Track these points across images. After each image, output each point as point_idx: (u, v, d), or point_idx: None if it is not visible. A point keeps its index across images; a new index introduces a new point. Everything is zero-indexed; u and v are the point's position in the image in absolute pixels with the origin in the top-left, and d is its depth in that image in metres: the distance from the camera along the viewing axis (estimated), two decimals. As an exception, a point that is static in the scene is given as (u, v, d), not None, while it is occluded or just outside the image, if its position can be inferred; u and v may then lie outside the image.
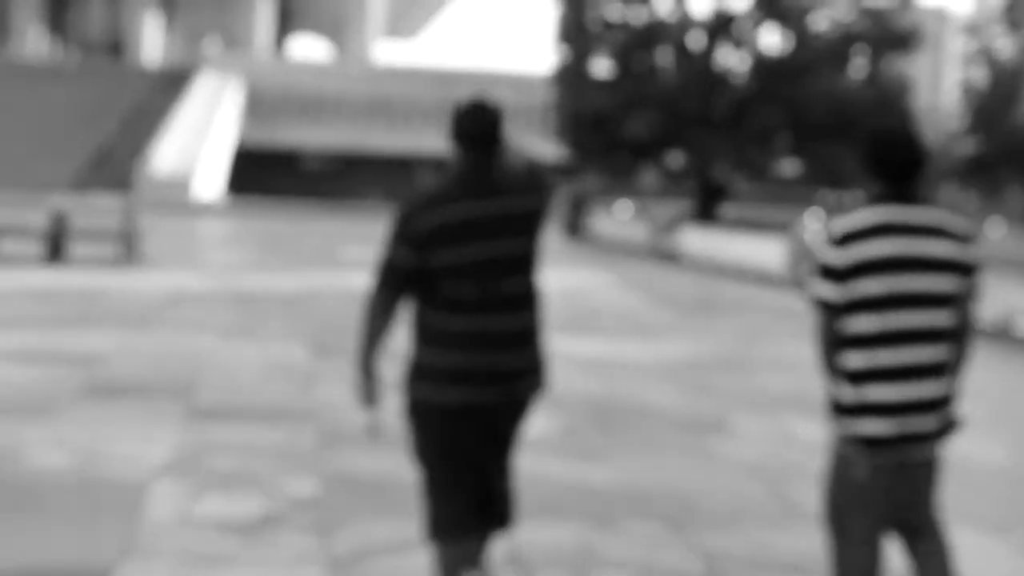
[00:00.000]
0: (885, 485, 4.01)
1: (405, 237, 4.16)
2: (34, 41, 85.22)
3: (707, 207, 43.65)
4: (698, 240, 28.77)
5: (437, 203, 4.18)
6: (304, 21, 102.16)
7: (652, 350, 12.59)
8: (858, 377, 3.95)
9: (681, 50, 43.16)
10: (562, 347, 12.38)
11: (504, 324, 4.21)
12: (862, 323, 3.93)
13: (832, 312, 3.97)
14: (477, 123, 4.23)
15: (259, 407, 8.78)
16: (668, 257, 28.25)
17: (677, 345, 13.24)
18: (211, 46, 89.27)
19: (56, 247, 18.61)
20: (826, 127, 41.18)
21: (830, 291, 3.96)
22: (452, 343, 4.18)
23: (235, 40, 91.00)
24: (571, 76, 44.94)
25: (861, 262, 3.90)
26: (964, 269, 4.00)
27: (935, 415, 4.00)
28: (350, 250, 25.44)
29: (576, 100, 43.92)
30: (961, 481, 7.31)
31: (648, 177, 44.52)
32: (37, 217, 19.65)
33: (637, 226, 32.42)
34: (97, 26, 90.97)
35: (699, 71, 42.38)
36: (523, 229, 4.25)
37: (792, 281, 21.72)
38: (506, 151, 4.32)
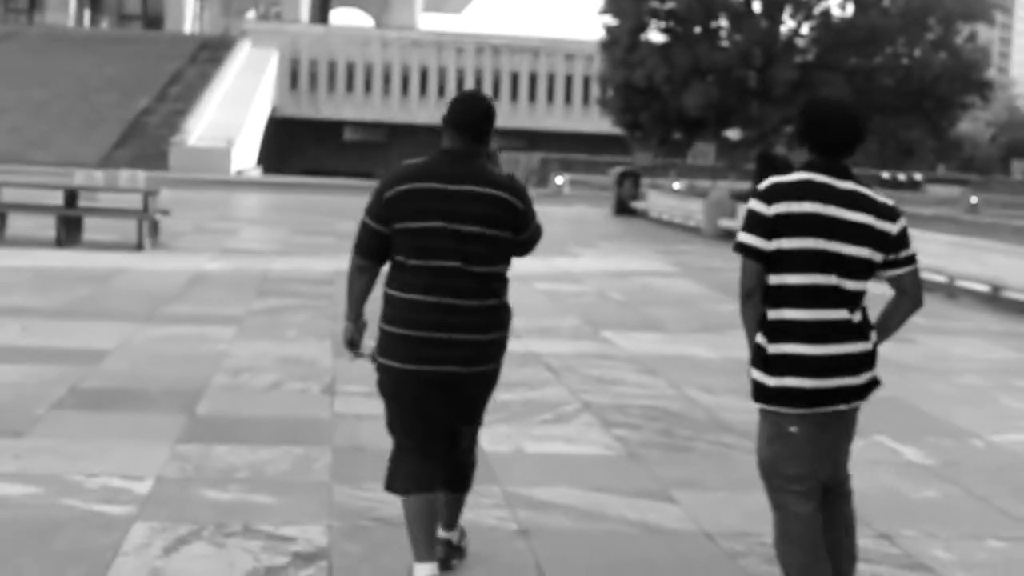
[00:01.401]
0: (809, 436, 4.15)
1: (376, 204, 4.60)
2: (68, 11, 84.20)
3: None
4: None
5: (410, 177, 4.56)
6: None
7: (721, 349, 11.21)
8: (776, 330, 4.14)
9: (742, 16, 41.20)
10: (620, 346, 11.04)
11: (446, 297, 4.49)
12: (782, 278, 4.12)
13: (757, 262, 4.14)
14: (466, 113, 4.61)
15: (270, 421, 7.50)
16: (726, 237, 26.76)
17: (744, 342, 11.85)
18: (250, 17, 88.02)
19: (70, 228, 17.36)
20: (895, 99, 39.38)
21: (757, 241, 4.12)
22: (401, 311, 4.54)
23: (275, 11, 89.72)
24: (622, 44, 42.99)
25: (784, 217, 4.09)
26: (883, 242, 4.13)
27: (852, 371, 4.13)
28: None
29: (627, 70, 42.08)
30: None
31: (703, 152, 42.85)
32: (52, 197, 18.43)
33: (692, 204, 30.88)
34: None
35: (760, 39, 40.49)
36: (485, 221, 4.50)
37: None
38: (493, 154, 4.72)
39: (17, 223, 18.87)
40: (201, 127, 56.77)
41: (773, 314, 4.16)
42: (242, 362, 9.33)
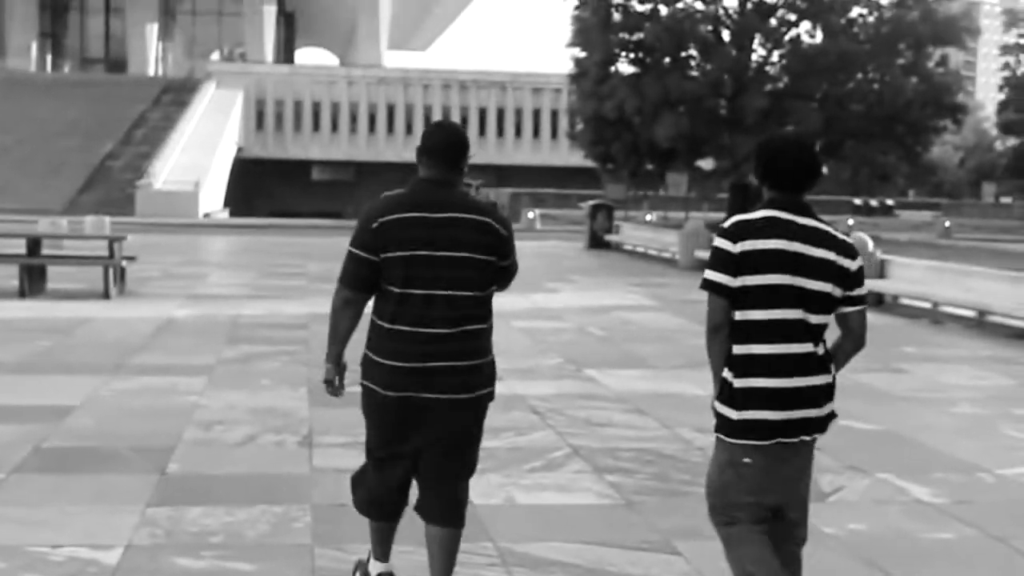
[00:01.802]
0: (765, 467, 4.21)
1: (363, 234, 4.59)
2: (30, 55, 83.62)
3: (740, 213, 41.85)
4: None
5: (394, 208, 4.58)
6: (310, 35, 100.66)
7: (708, 386, 10.81)
8: (742, 364, 4.20)
9: (711, 46, 41.05)
10: (605, 384, 10.69)
11: (433, 326, 4.53)
12: (748, 314, 4.19)
13: (724, 299, 4.22)
14: (441, 141, 4.65)
15: (245, 478, 7.09)
16: (703, 268, 26.49)
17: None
18: (215, 58, 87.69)
19: (33, 277, 16.88)
20: (867, 124, 39.24)
21: (723, 279, 4.21)
22: (388, 340, 4.58)
23: (240, 52, 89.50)
24: (591, 76, 42.75)
25: (750, 254, 4.17)
26: (843, 278, 4.23)
27: (818, 403, 4.23)
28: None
29: (597, 102, 41.83)
30: None
31: (675, 183, 42.62)
32: (15, 245, 17.94)
33: (667, 235, 30.60)
34: (96, 40, 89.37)
35: (730, 68, 40.32)
36: (471, 247, 4.55)
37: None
38: (476, 188, 4.80)
39: (-22, 274, 18.43)
40: (167, 170, 56.28)
41: (740, 349, 4.24)
42: (214, 414, 8.92)
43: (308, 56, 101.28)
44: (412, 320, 4.54)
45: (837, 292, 4.25)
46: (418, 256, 4.52)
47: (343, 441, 8.08)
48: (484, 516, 6.38)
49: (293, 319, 15.18)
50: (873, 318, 13.72)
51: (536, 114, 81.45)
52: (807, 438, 4.28)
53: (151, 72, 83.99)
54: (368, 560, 5.07)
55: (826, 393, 4.30)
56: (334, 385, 4.85)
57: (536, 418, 9.11)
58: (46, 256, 17.60)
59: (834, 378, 4.35)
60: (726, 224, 4.32)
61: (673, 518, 6.42)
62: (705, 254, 25.98)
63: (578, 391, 10.38)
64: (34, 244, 17.33)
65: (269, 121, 79.06)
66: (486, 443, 8.04)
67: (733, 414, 4.25)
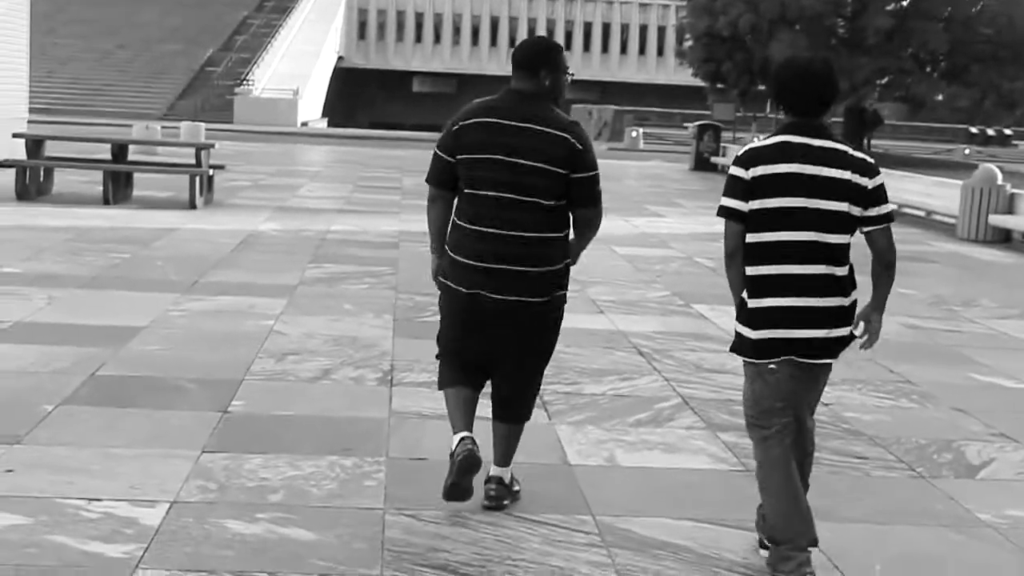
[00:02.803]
0: (787, 375, 4.38)
1: (445, 136, 4.85)
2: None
3: (854, 139, 40.03)
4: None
5: (477, 112, 4.80)
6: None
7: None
8: (756, 286, 4.36)
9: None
10: (716, 323, 9.77)
11: (502, 228, 4.72)
12: (762, 236, 4.32)
13: (739, 223, 4.35)
14: (522, 49, 4.87)
15: (316, 421, 6.33)
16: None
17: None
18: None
19: (118, 185, 16.27)
20: (995, 48, 37.17)
21: (737, 204, 4.35)
22: (460, 238, 4.84)
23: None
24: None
25: (762, 179, 4.30)
26: (860, 196, 4.30)
27: (826, 325, 4.34)
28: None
29: (710, 18, 40.14)
30: None
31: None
32: (104, 150, 17.37)
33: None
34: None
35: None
36: (542, 157, 4.68)
37: (970, 227, 18.63)
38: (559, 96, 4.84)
39: (65, 179, 17.91)
40: (266, 78, 55.75)
41: (754, 270, 4.38)
42: (289, 343, 8.18)
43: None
44: (483, 220, 4.78)
45: (855, 211, 4.34)
46: (488, 160, 4.74)
47: (427, 379, 7.29)
48: (583, 480, 5.56)
49: (384, 237, 14.43)
50: (1000, 255, 12.38)
51: (643, 30, 79.57)
52: (817, 360, 4.42)
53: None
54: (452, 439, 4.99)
55: (838, 316, 4.40)
56: (438, 277, 5.05)
57: (641, 360, 8.24)
58: (131, 163, 17.02)
59: (853, 302, 4.45)
60: (740, 152, 4.48)
61: (800, 492, 5.53)
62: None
63: (687, 329, 9.47)
64: (119, 150, 16.71)
65: (371, 31, 78.21)
66: (587, 390, 7.28)
67: (751, 333, 4.43)
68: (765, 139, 4.44)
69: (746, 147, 4.47)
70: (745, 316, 4.44)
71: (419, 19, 78.73)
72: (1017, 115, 58.50)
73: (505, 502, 5.10)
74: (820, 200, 4.28)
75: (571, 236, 4.96)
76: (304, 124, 52.73)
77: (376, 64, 78.02)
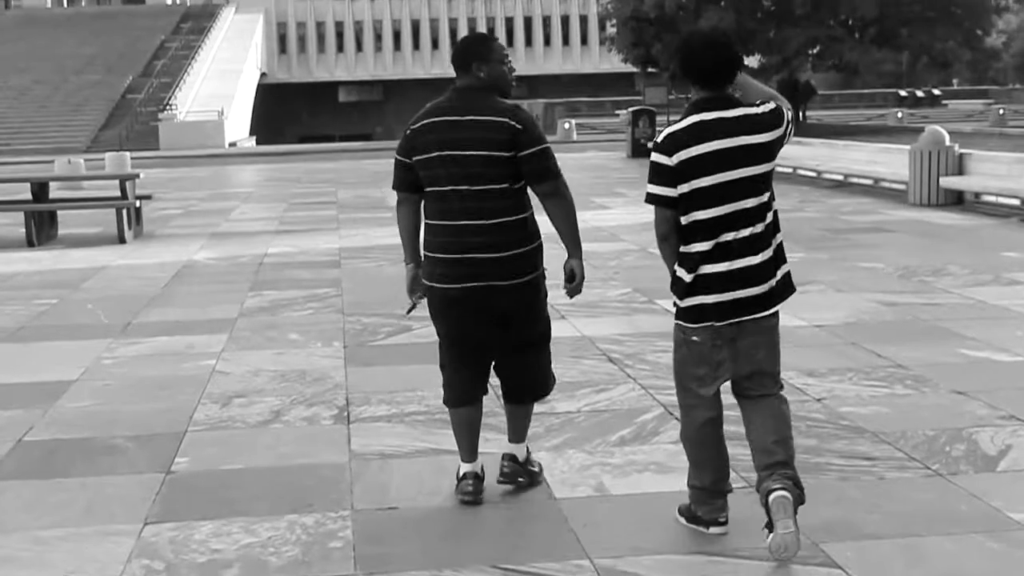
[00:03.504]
0: (714, 343, 4.52)
1: (403, 141, 5.04)
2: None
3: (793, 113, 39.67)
4: (791, 150, 25.27)
5: (427, 114, 5.00)
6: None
7: (804, 312, 9.43)
8: (690, 260, 4.47)
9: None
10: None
11: (467, 218, 4.88)
12: (693, 215, 4.43)
13: (668, 208, 4.47)
14: (455, 53, 5.06)
15: (269, 474, 5.72)
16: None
17: (828, 299, 10.08)
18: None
19: (42, 224, 15.50)
20: (923, 8, 36.94)
21: (666, 190, 4.45)
22: (431, 235, 5.00)
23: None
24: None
25: (688, 162, 4.38)
26: (779, 144, 4.49)
27: (759, 283, 4.47)
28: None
29: (634, 2, 39.59)
30: None
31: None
32: (21, 191, 16.59)
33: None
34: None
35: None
36: (483, 145, 4.84)
37: (921, 192, 18.26)
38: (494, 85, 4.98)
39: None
40: (189, 100, 54.73)
41: (687, 248, 4.49)
42: (234, 384, 7.56)
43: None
44: (448, 215, 4.92)
45: (776, 152, 4.50)
46: (438, 157, 4.90)
47: (386, 412, 6.73)
48: (572, 515, 4.99)
49: (324, 256, 13.81)
50: (955, 218, 12.16)
51: (565, 20, 79.16)
52: (758, 315, 4.51)
53: (169, 0, 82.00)
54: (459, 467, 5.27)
55: (766, 269, 4.50)
56: (413, 288, 5.17)
57: (613, 367, 7.70)
58: (53, 201, 16.25)
59: (779, 245, 4.55)
60: (658, 138, 4.52)
61: (811, 507, 4.95)
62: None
63: (655, 329, 8.92)
64: (40, 188, 15.93)
65: (292, 44, 77.29)
66: (561, 408, 6.71)
67: (682, 302, 4.57)
68: (680, 121, 4.47)
69: (664, 133, 4.52)
70: (679, 287, 4.55)
71: (339, 28, 77.89)
72: (943, 75, 58.69)
73: (520, 479, 5.27)
74: (745, 168, 4.40)
75: (533, 217, 5.03)
76: (232, 144, 51.79)
77: (300, 77, 77.13)
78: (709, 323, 4.50)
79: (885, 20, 37.69)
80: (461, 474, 5.17)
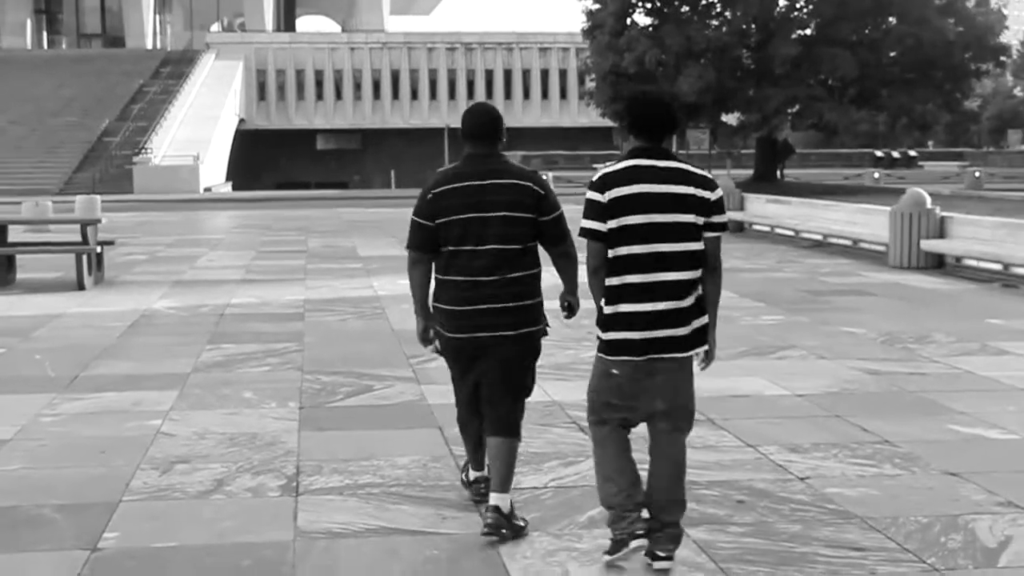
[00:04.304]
0: (632, 378, 4.88)
1: (422, 204, 5.43)
2: (26, 33, 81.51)
3: (769, 170, 39.46)
4: (770, 209, 24.98)
5: (447, 180, 5.42)
6: (311, 3, 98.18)
7: (783, 380, 9.01)
8: (614, 294, 4.86)
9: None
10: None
11: (480, 275, 5.30)
12: (619, 250, 4.82)
13: (599, 242, 4.85)
14: (477, 125, 5.45)
15: (205, 555, 5.22)
16: (736, 231, 24.54)
17: (808, 366, 9.66)
18: (214, 30, 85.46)
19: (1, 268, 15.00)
20: (903, 71, 36.90)
21: (597, 225, 4.84)
22: (444, 291, 5.45)
23: (239, 22, 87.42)
24: (607, 28, 40.26)
25: (618, 200, 4.80)
26: (702, 207, 4.84)
27: (679, 326, 4.84)
28: (369, 244, 21.83)
29: (615, 56, 39.50)
30: None
31: (696, 140, 40.24)
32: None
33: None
34: (92, 14, 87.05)
35: (755, 15, 37.87)
36: (510, 207, 5.30)
37: (901, 255, 17.93)
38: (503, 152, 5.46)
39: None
40: (165, 145, 54.29)
41: (612, 281, 4.85)
42: (178, 447, 7.06)
43: (309, 24, 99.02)
44: (468, 271, 5.32)
45: (700, 220, 4.84)
46: (467, 218, 5.29)
47: (338, 484, 6.25)
48: (534, 611, 4.52)
49: (288, 308, 13.34)
50: (937, 282, 11.94)
51: (544, 74, 79.15)
52: (673, 355, 4.87)
53: (149, 46, 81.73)
54: (467, 468, 6.01)
55: (687, 314, 4.87)
56: (428, 341, 5.62)
57: (582, 437, 7.24)
58: (10, 244, 15.73)
59: (697, 298, 4.91)
60: (594, 178, 4.92)
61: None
62: (739, 215, 24.24)
63: (629, 395, 8.46)
64: (-1, 231, 15.44)
65: (271, 91, 76.93)
66: (527, 482, 6.23)
67: (604, 335, 4.92)
68: (616, 165, 4.90)
69: (599, 173, 4.91)
70: (601, 320, 4.93)
71: (319, 76, 77.60)
72: (919, 137, 58.75)
73: (504, 531, 5.32)
74: (669, 214, 4.79)
75: (540, 274, 5.49)
76: (207, 189, 51.33)
77: (278, 124, 76.73)
78: (629, 357, 4.84)
79: (865, 81, 37.66)
80: (472, 478, 5.92)
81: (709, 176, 4.94)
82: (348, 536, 5.42)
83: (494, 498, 5.35)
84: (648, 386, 4.87)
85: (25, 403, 8.32)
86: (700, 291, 4.92)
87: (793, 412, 7.98)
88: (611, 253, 4.82)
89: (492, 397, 5.47)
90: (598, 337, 4.95)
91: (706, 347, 4.96)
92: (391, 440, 7.22)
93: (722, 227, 4.93)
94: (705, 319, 4.95)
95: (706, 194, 4.84)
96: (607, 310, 4.87)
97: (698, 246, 4.85)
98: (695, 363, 4.99)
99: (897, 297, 14.40)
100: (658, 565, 4.87)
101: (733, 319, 12.12)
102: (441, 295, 5.44)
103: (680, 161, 4.92)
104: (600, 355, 4.97)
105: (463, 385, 5.60)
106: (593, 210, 4.84)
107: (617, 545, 4.89)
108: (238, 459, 6.79)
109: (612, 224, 4.79)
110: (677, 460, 5.00)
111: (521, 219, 5.30)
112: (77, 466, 6.68)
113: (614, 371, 4.90)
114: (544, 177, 5.47)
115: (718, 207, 4.89)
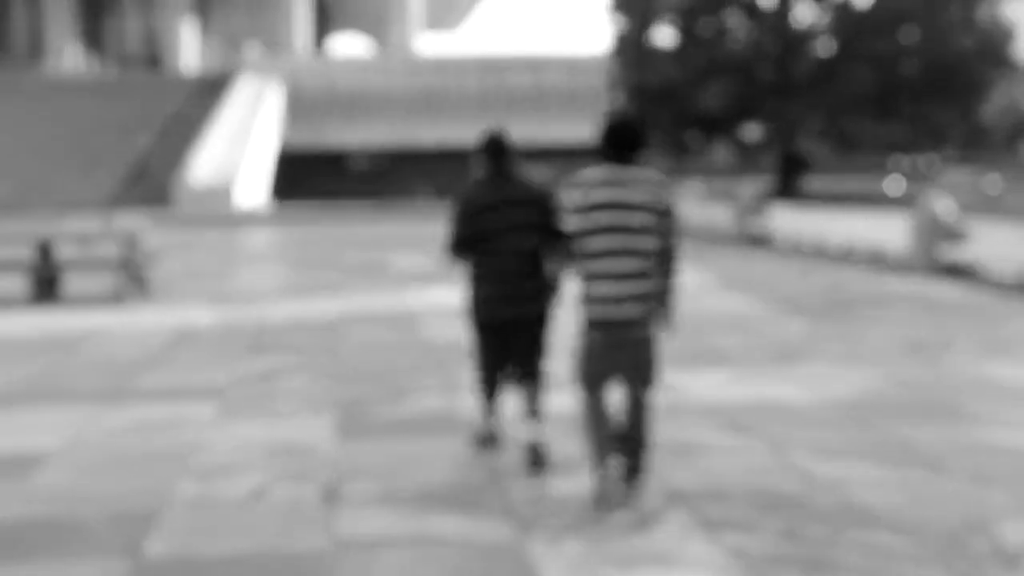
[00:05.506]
0: (605, 349, 5.97)
1: (464, 221, 6.68)
2: (69, 56, 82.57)
3: (789, 182, 39.41)
4: (792, 220, 25.02)
5: (477, 197, 6.70)
6: (343, 19, 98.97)
7: (811, 387, 9.11)
8: (588, 279, 5.96)
9: (752, 9, 38.82)
10: (686, 389, 8.90)
11: (515, 268, 6.63)
12: (591, 244, 5.93)
13: (576, 237, 5.98)
14: (488, 145, 6.77)
15: (246, 563, 5.38)
16: (757, 242, 24.57)
17: (834, 372, 9.73)
18: (249, 50, 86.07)
19: (43, 283, 15.28)
20: (921, 84, 36.86)
21: (574, 222, 5.99)
22: (479, 287, 6.74)
23: (274, 42, 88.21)
24: (631, 48, 40.64)
25: (590, 203, 5.92)
26: (658, 210, 5.93)
27: (638, 306, 5.89)
28: (401, 259, 22.02)
29: (639, 74, 39.76)
30: None
31: (721, 153, 40.25)
32: (25, 250, 16.34)
33: (716, 208, 28.61)
34: (133, 37, 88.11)
35: (774, 31, 38.06)
36: (531, 210, 6.64)
37: (922, 263, 17.96)
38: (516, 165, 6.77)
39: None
40: (205, 165, 54.83)
41: (584, 268, 5.96)
42: (218, 457, 7.24)
43: (343, 41, 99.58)
44: (491, 269, 6.64)
45: (655, 217, 5.91)
46: (490, 228, 6.60)
47: (377, 492, 6.40)
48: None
49: (323, 319, 13.51)
50: (959, 290, 12.35)
51: (572, 93, 79.17)
52: (634, 329, 5.91)
53: (187, 67, 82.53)
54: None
55: (643, 297, 5.92)
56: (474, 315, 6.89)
57: (614, 445, 7.35)
58: (57, 260, 15.99)
59: (655, 286, 5.97)
60: (574, 180, 5.97)
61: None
62: (760, 226, 24.39)
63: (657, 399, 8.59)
64: (44, 247, 15.68)
65: (304, 110, 77.48)
66: (564, 487, 6.39)
67: (583, 311, 5.98)
68: (588, 171, 5.98)
69: (578, 178, 5.97)
70: (582, 298, 6.02)
71: (352, 97, 78.02)
72: (936, 147, 58.52)
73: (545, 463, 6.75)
74: (630, 213, 5.85)
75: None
76: (246, 209, 51.74)
77: (312, 143, 77.23)
78: (599, 331, 5.91)
79: (885, 92, 37.65)
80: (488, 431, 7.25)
81: (663, 178, 6.09)
82: (385, 545, 5.56)
83: (527, 427, 6.79)
84: (619, 355, 6.02)
85: (69, 416, 8.51)
86: (650, 279, 5.95)
87: (820, 418, 8.07)
88: (584, 246, 6.04)
89: (523, 360, 6.83)
90: (580, 313, 6.13)
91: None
92: (425, 448, 7.36)
93: (670, 214, 5.96)
94: (649, 307, 6.02)
95: (659, 196, 5.95)
96: (584, 290, 6.08)
97: (652, 242, 5.93)
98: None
99: (920, 305, 14.41)
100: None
101: (756, 327, 12.22)
102: (482, 292, 6.73)
103: (643, 170, 5.99)
104: (582, 330, 6.13)
105: (496, 360, 6.94)
106: (575, 207, 6.08)
107: (601, 502, 6.09)
108: (277, 467, 6.95)
109: (587, 222, 6.00)
110: (645, 407, 6.18)
111: (534, 226, 6.64)
112: (120, 476, 6.86)
113: (590, 341, 6.15)
114: (549, 190, 6.71)
115: (666, 207, 5.94)
